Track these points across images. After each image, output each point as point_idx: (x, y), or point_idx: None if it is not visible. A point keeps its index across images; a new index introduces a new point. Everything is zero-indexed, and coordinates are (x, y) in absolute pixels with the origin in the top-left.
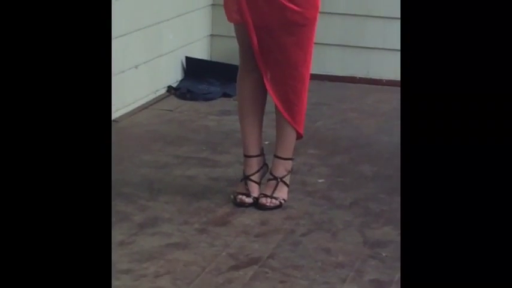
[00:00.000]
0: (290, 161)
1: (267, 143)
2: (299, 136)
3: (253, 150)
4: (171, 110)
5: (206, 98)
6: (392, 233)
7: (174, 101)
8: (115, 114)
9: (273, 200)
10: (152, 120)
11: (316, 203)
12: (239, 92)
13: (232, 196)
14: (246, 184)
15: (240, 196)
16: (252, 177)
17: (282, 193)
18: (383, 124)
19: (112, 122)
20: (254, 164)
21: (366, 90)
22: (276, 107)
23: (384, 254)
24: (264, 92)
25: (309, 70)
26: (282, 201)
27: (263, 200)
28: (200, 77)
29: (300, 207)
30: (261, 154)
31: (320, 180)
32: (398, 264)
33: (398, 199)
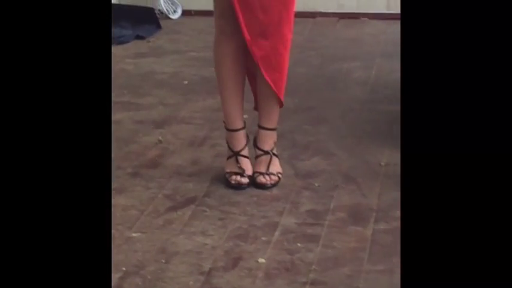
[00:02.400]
0: (275, 131)
1: (244, 116)
2: (280, 104)
3: (239, 122)
4: None
5: (120, 41)
6: (322, 163)
7: None
8: None
9: (272, 177)
10: None
11: None
12: (218, 58)
13: (227, 176)
14: (237, 161)
15: (234, 177)
16: (242, 152)
17: (277, 166)
18: (298, 56)
19: None
20: (241, 138)
21: None
22: (258, 73)
23: (316, 184)
24: (244, 57)
25: (291, 32)
26: (280, 176)
27: (262, 179)
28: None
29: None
30: (245, 125)
31: (244, 116)
32: (332, 193)
33: (323, 129)
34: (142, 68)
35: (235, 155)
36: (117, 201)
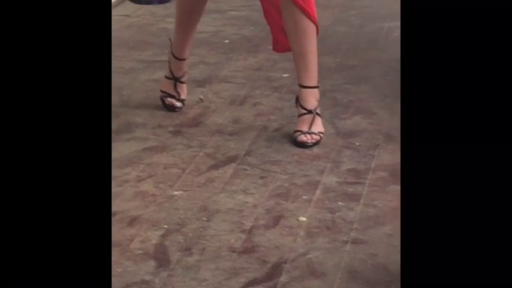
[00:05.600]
0: (317, 89)
1: (286, 75)
2: (315, 29)
3: (185, 53)
4: (128, 16)
5: (161, 0)
6: (363, 122)
7: (130, 6)
8: None
9: (313, 136)
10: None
11: (284, 98)
12: None
13: (161, 95)
14: (175, 86)
15: (170, 99)
16: (182, 79)
17: (319, 126)
18: (338, 15)
19: None
20: (184, 67)
21: None
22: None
23: (357, 143)
24: None
25: None
26: (321, 135)
27: (303, 137)
28: None
29: (269, 103)
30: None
31: (285, 75)
32: (373, 152)
33: (364, 88)
34: None
35: (175, 79)
36: (159, 159)
